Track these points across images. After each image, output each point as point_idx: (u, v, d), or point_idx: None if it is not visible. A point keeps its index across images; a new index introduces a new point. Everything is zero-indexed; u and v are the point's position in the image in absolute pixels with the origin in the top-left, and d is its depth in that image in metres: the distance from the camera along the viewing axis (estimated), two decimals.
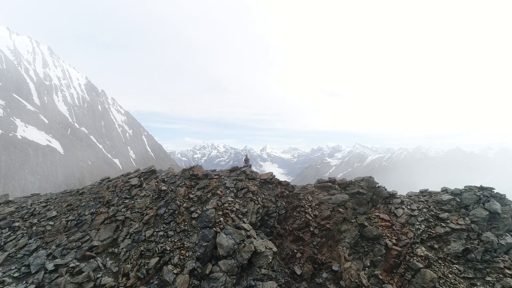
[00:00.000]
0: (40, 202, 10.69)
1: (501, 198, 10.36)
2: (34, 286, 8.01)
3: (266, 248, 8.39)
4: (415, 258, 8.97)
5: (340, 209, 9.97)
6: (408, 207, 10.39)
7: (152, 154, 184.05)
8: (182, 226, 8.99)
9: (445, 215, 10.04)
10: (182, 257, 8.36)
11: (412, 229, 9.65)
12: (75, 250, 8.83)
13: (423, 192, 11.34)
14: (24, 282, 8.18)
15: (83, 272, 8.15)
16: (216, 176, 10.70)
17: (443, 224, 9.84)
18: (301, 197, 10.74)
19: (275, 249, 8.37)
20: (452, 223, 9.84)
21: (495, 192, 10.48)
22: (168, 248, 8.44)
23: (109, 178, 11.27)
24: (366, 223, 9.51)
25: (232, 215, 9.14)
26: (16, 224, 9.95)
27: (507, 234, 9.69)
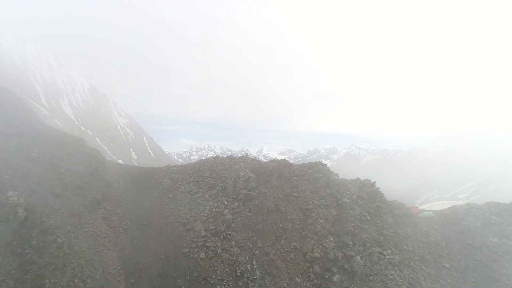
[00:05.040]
0: (184, 166, 35.89)
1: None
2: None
3: (253, 176, 33.72)
4: (294, 178, 34.65)
5: (275, 169, 35.45)
6: (292, 168, 36.01)
7: (153, 155, 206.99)
8: (229, 171, 34.27)
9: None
10: (231, 176, 33.53)
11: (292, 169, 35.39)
12: (202, 176, 34.18)
13: (309, 163, 37.18)
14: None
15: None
16: (237, 158, 36.30)
17: (305, 172, 35.55)
18: (264, 165, 36.29)
19: (254, 175, 33.96)
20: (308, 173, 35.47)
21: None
22: (226, 176, 33.59)
23: (202, 159, 36.99)
24: (281, 171, 35.02)
25: (243, 168, 34.63)
26: (178, 172, 35.30)
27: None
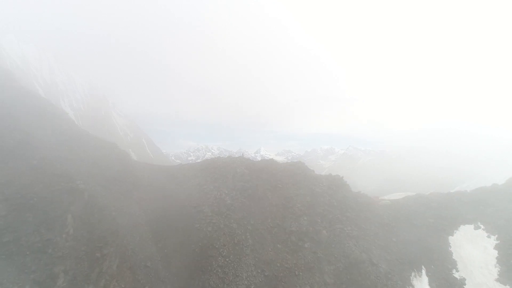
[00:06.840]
0: (193, 164, 46.65)
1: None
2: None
3: (248, 172, 44.68)
4: (279, 173, 45.74)
5: (264, 166, 46.44)
6: (277, 166, 46.99)
7: (151, 156, 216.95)
8: (229, 168, 45.20)
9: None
10: (230, 172, 44.46)
11: (277, 166, 46.44)
12: (207, 172, 45.15)
13: (291, 162, 48.11)
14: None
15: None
16: (235, 158, 47.28)
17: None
18: (256, 163, 47.25)
19: (248, 171, 45.01)
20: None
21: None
22: (227, 171, 44.48)
23: (207, 159, 48.01)
24: (269, 168, 46.00)
25: (239, 166, 45.63)
26: (189, 169, 46.26)
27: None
